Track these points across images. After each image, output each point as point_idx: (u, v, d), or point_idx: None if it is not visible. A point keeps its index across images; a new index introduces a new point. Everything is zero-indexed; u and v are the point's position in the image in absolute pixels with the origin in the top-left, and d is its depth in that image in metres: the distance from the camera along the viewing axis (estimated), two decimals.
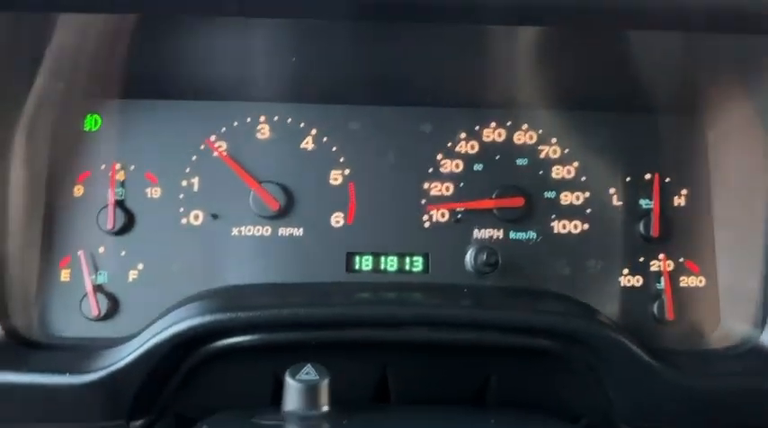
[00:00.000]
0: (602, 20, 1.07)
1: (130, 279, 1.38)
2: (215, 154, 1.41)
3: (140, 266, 1.38)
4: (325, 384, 1.03)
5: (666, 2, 1.00)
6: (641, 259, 1.44)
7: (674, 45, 1.34)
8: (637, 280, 1.43)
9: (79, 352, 1.24)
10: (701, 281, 1.44)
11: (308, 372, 1.04)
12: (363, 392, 1.30)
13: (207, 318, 1.16)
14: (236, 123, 1.43)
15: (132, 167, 1.40)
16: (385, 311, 1.22)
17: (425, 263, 1.42)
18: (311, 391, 1.03)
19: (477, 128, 1.46)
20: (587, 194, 1.45)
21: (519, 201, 1.42)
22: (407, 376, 1.31)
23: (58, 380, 1.15)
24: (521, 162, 1.45)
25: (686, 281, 1.44)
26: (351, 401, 1.13)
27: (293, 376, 1.04)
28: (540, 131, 1.47)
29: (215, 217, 1.40)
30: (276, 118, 1.44)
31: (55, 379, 1.15)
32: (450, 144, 1.45)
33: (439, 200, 1.44)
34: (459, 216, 1.43)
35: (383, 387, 1.31)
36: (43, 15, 1.18)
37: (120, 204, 1.38)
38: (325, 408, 1.03)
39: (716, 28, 1.11)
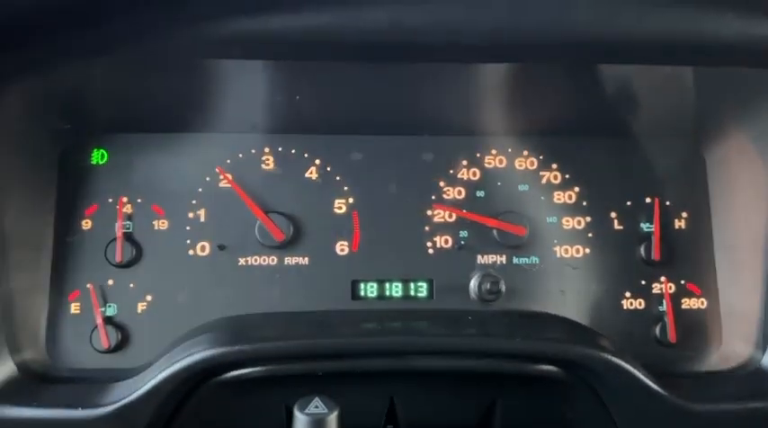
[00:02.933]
0: (590, 56, 1.09)
1: (139, 310, 1.39)
2: (221, 185, 1.43)
3: (149, 298, 1.39)
4: (333, 417, 1.04)
5: (657, 37, 1.02)
6: (643, 282, 1.45)
7: (672, 72, 1.35)
8: (639, 304, 1.45)
9: (90, 386, 1.25)
10: (702, 304, 1.45)
11: (317, 406, 1.05)
12: (373, 420, 1.32)
13: (215, 351, 1.17)
14: (240, 155, 1.45)
15: (139, 200, 1.42)
16: (391, 341, 1.23)
17: (430, 289, 1.43)
18: (320, 425, 1.03)
19: (478, 155, 1.48)
20: (588, 219, 1.47)
21: (522, 231, 1.43)
22: (415, 403, 1.32)
23: (70, 415, 1.16)
24: (522, 188, 1.47)
25: (688, 304, 1.45)
26: None
27: (302, 409, 1.04)
28: (541, 157, 1.48)
29: (222, 247, 1.41)
30: (280, 148, 1.46)
31: (66, 414, 1.16)
32: (451, 171, 1.47)
33: (442, 227, 1.45)
34: (463, 242, 1.45)
35: (392, 415, 1.32)
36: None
37: (127, 237, 1.40)
38: None
39: (710, 63, 1.13)
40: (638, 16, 1.04)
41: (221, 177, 1.44)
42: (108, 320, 1.37)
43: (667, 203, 1.47)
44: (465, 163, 1.47)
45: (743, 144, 1.40)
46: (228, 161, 1.44)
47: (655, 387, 1.19)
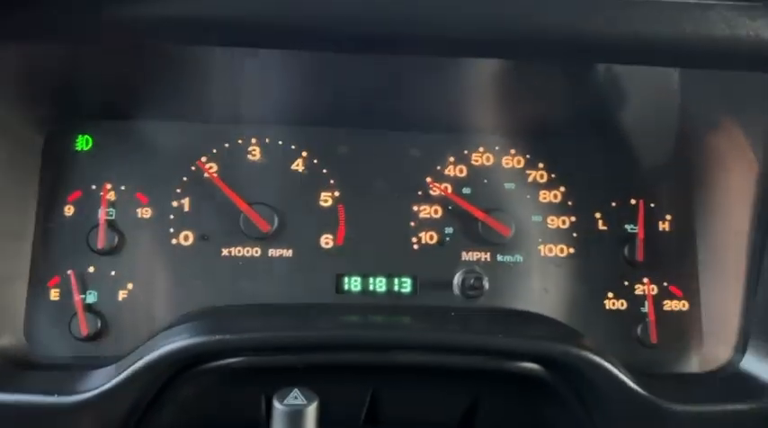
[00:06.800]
0: (574, 55, 1.08)
1: (120, 299, 1.38)
2: (206, 175, 1.42)
3: (130, 286, 1.38)
4: (312, 409, 1.03)
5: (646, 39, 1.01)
6: (626, 283, 1.46)
7: (659, 73, 1.35)
8: (621, 304, 1.45)
9: (67, 373, 1.23)
10: (684, 306, 1.46)
11: (296, 397, 1.04)
12: (353, 415, 1.31)
13: (196, 340, 1.16)
14: (227, 145, 1.44)
15: (123, 187, 1.41)
16: (373, 335, 1.23)
17: (414, 285, 1.43)
18: (298, 416, 1.03)
19: (465, 152, 1.48)
20: (573, 219, 1.47)
21: (506, 231, 1.44)
22: (396, 399, 1.31)
23: (46, 401, 1.14)
24: (508, 186, 1.48)
25: (670, 306, 1.46)
26: (340, 424, 1.13)
27: (281, 400, 1.04)
28: (528, 156, 1.49)
29: (205, 238, 1.41)
30: (267, 140, 1.45)
31: (42, 400, 1.14)
32: (438, 167, 1.47)
33: (428, 223, 1.45)
34: (448, 239, 1.45)
35: (372, 410, 1.31)
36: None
37: (110, 224, 1.39)
38: None
39: (695, 65, 1.13)
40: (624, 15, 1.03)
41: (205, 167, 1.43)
42: (88, 307, 1.36)
43: (652, 205, 1.48)
44: (452, 160, 1.47)
45: (729, 146, 1.41)
46: (214, 151, 1.44)
47: (635, 386, 1.19)
